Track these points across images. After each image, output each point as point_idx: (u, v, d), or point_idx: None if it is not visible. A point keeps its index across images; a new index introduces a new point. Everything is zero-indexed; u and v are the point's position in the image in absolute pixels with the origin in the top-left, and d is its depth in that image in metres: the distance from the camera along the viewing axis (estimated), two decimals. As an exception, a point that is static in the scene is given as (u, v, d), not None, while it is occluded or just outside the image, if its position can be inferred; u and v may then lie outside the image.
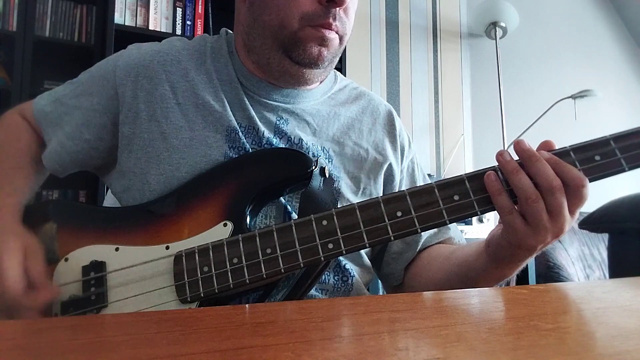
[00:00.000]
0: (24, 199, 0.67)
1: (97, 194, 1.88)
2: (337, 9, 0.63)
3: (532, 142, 0.56)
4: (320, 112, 0.74)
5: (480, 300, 0.46)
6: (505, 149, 2.54)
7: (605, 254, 2.25)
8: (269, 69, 0.69)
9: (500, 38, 2.70)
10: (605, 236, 1.51)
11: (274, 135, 0.69)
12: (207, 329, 0.33)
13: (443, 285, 0.66)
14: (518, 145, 0.53)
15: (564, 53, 3.17)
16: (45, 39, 1.97)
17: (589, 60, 3.24)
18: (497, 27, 2.65)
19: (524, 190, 0.51)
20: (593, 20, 3.32)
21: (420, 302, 0.45)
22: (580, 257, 2.28)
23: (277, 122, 0.70)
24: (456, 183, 0.54)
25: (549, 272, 2.10)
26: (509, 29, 2.69)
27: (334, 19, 0.64)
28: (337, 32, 0.66)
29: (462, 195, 0.54)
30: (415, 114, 2.68)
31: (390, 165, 0.77)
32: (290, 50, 0.65)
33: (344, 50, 2.26)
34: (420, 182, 0.81)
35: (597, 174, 0.52)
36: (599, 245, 2.36)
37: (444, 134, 2.73)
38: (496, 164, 0.54)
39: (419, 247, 0.75)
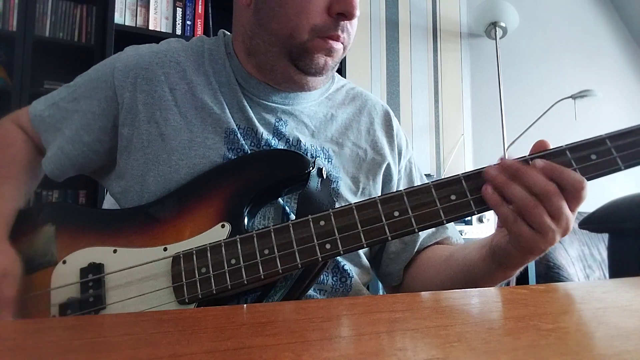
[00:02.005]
0: (12, 209, 0.67)
1: (97, 195, 1.89)
2: (346, 21, 0.64)
3: (532, 142, 0.56)
4: (317, 113, 0.74)
5: (480, 300, 0.46)
6: (506, 148, 2.55)
7: (605, 254, 2.25)
8: (272, 74, 0.69)
9: (500, 38, 2.70)
10: (605, 236, 1.51)
11: (273, 137, 0.69)
12: (207, 329, 0.33)
13: (444, 288, 0.66)
14: (502, 164, 0.53)
15: (564, 53, 3.17)
16: (45, 39, 1.97)
17: (589, 60, 3.24)
18: (497, 27, 2.65)
19: (521, 200, 0.51)
20: (593, 20, 3.32)
21: (419, 303, 0.45)
22: (580, 257, 2.28)
23: (276, 124, 0.70)
24: (453, 183, 0.54)
25: (549, 272, 2.10)
26: (509, 29, 2.69)
27: (342, 32, 0.65)
28: (342, 43, 0.67)
29: (459, 195, 0.54)
30: (415, 114, 2.68)
31: (388, 165, 0.77)
32: (297, 59, 0.66)
33: (344, 50, 2.26)
34: (417, 183, 0.81)
35: (593, 173, 0.52)
36: (599, 245, 2.36)
37: (444, 134, 2.73)
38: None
39: (416, 247, 0.75)
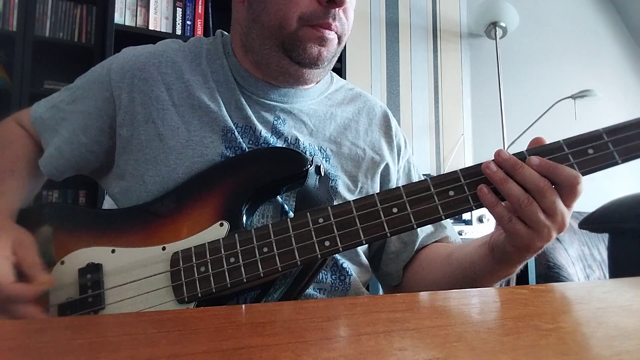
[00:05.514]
0: (16, 200, 0.67)
1: (97, 194, 1.89)
2: (337, 9, 0.64)
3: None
4: (316, 112, 0.74)
5: (480, 300, 0.46)
6: (506, 148, 2.54)
7: (605, 254, 2.25)
8: (268, 69, 0.69)
9: (500, 38, 2.70)
10: (605, 236, 1.51)
11: (271, 135, 0.69)
12: (207, 329, 0.33)
13: (444, 287, 0.66)
14: (499, 157, 0.53)
15: (564, 53, 3.17)
16: (45, 39, 1.97)
17: (589, 60, 3.24)
18: (497, 27, 2.65)
19: (515, 197, 0.51)
20: (593, 20, 3.32)
21: (419, 302, 0.45)
22: (580, 257, 2.28)
23: (274, 122, 0.70)
24: (451, 179, 0.54)
25: (549, 272, 2.10)
26: (509, 29, 2.69)
27: (334, 19, 0.64)
28: (336, 32, 0.66)
29: (457, 191, 0.54)
30: (415, 114, 2.68)
31: (387, 165, 0.77)
32: (289, 50, 0.65)
33: (344, 50, 2.26)
34: None
35: (590, 168, 0.52)
36: (599, 245, 2.36)
37: (444, 134, 2.73)
38: None
39: (416, 247, 0.75)
